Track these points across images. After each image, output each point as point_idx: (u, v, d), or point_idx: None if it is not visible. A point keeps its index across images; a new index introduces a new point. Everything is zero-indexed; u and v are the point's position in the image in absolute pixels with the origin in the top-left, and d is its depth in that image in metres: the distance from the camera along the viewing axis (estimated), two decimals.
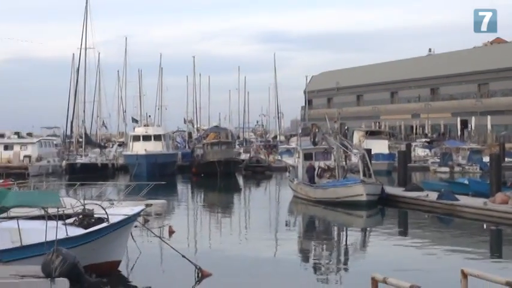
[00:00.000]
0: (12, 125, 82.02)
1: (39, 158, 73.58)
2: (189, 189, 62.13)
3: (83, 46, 79.41)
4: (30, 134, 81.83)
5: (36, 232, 18.47)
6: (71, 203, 23.67)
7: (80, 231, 20.32)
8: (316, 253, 28.34)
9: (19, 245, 18.83)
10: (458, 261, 22.53)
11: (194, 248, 27.48)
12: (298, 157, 49.46)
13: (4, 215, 19.03)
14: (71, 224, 20.54)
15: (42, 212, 18.91)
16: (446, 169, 69.65)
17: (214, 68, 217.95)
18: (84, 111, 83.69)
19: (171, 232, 29.42)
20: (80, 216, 21.39)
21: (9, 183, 36.80)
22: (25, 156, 72.90)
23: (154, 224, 30.58)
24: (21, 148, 74.73)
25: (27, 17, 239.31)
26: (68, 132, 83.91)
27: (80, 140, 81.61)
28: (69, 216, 21.13)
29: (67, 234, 19.02)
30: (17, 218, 19.57)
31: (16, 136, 77.81)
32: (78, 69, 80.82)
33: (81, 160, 73.86)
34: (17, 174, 52.17)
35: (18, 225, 19.03)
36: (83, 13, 79.58)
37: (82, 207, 22.68)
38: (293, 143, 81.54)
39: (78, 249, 18.43)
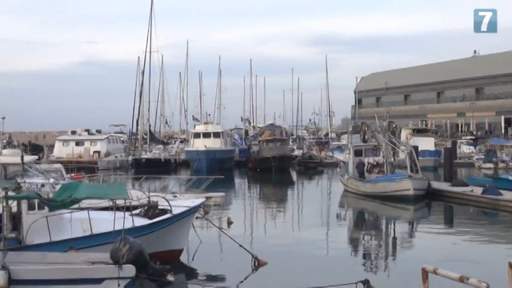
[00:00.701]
0: (83, 123, 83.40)
1: (108, 154, 74.44)
2: (245, 183, 62.15)
3: (148, 50, 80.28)
4: (99, 131, 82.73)
5: (105, 222, 18.69)
6: (137, 195, 23.89)
7: (145, 221, 20.51)
8: (365, 243, 28.15)
9: (90, 234, 19.12)
10: (504, 254, 22.16)
11: (251, 237, 27.51)
12: (349, 153, 49.41)
13: (76, 206, 19.22)
14: (137, 215, 20.76)
15: (111, 204, 19.07)
16: (491, 165, 68.22)
17: (269, 69, 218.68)
18: (148, 110, 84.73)
19: (229, 223, 29.51)
20: (145, 208, 21.58)
21: (80, 177, 37.31)
22: (95, 152, 73.81)
23: (214, 216, 30.69)
24: (91, 144, 75.67)
25: (99, 24, 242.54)
26: (134, 130, 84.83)
27: (145, 137, 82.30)
28: (135, 207, 21.37)
29: (133, 224, 19.23)
30: (88, 209, 19.88)
31: (86, 133, 78.77)
32: (143, 71, 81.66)
33: (145, 155, 74.55)
34: (87, 168, 52.76)
35: (89, 216, 19.31)
36: (148, 19, 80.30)
37: (147, 199, 22.84)
38: (344, 140, 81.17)
39: (143, 238, 18.59)
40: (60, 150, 73.76)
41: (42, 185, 24.54)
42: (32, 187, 22.84)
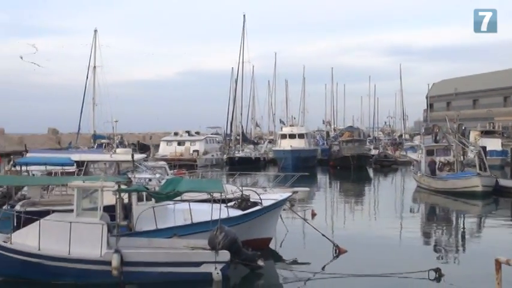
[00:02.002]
0: (184, 125, 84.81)
1: (205, 152, 75.28)
2: (327, 179, 61.77)
3: (241, 61, 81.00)
4: (198, 133, 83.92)
5: (204, 213, 18.91)
6: (231, 189, 24.07)
7: (239, 212, 20.64)
8: (436, 235, 27.54)
9: (190, 223, 19.37)
10: None
11: (332, 228, 27.26)
12: (421, 153, 48.63)
13: (178, 198, 19.51)
14: (231, 207, 20.89)
15: (208, 196, 19.27)
16: None
17: (348, 77, 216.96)
18: (241, 114, 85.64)
19: (313, 215, 29.40)
20: (239, 200, 21.71)
21: (181, 173, 37.86)
22: (194, 151, 74.76)
23: (299, 208, 30.60)
24: (191, 144, 76.67)
25: (199, 39, 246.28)
26: (228, 131, 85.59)
27: (238, 137, 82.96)
28: (229, 200, 21.48)
29: (228, 215, 19.34)
30: (188, 201, 20.11)
31: (187, 134, 79.89)
32: (236, 80, 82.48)
33: (238, 154, 75.08)
34: (188, 165, 53.48)
35: (190, 207, 19.57)
36: (241, 34, 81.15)
37: (240, 192, 22.97)
38: (416, 141, 79.52)
39: (237, 227, 18.72)
40: (165, 150, 75.09)
41: (150, 180, 25.08)
42: (141, 181, 23.38)
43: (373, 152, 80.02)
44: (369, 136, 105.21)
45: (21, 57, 71.26)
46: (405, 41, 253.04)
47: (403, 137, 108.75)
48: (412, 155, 63.92)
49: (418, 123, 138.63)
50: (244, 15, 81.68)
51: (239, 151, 77.83)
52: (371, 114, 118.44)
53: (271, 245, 22.05)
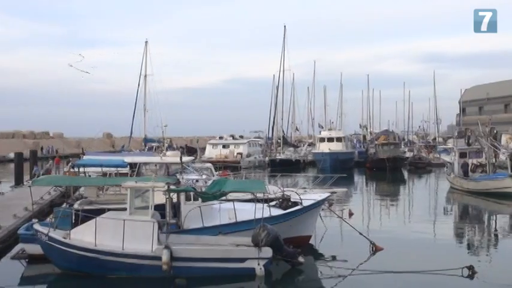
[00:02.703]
0: (229, 130, 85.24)
1: (248, 155, 75.54)
2: (364, 180, 61.31)
3: (282, 69, 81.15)
4: (241, 136, 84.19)
5: (247, 212, 18.92)
6: (273, 189, 24.07)
7: (280, 211, 20.61)
8: (469, 234, 27.09)
9: (234, 221, 19.39)
10: None
11: (368, 226, 27.04)
12: (455, 155, 48.03)
13: (223, 198, 19.58)
14: (273, 206, 20.87)
15: (252, 196, 19.31)
16: None
17: (384, 83, 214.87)
18: (282, 118, 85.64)
19: (350, 214, 29.21)
20: (280, 200, 21.69)
21: (226, 174, 38.03)
22: (238, 153, 75.10)
23: (337, 207, 30.44)
24: (235, 147, 77.08)
25: (242, 48, 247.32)
26: (270, 135, 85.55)
27: (279, 141, 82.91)
28: (271, 200, 21.50)
29: (270, 214, 19.29)
30: (233, 200, 20.14)
31: (231, 138, 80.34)
32: (277, 87, 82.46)
33: (279, 156, 75.08)
34: (232, 167, 53.80)
35: (234, 206, 19.58)
36: (282, 44, 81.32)
37: (282, 193, 22.95)
38: (449, 144, 78.20)
39: (278, 226, 18.69)
40: (210, 152, 75.59)
41: (197, 181, 25.23)
42: (189, 182, 23.50)
43: (408, 154, 79.25)
44: (404, 139, 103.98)
45: (71, 65, 72.98)
46: (438, 49, 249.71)
47: (437, 140, 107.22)
48: (446, 157, 62.99)
49: (451, 127, 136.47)
50: (284, 27, 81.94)
51: (280, 154, 77.78)
52: (405, 118, 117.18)
53: (311, 243, 21.99)
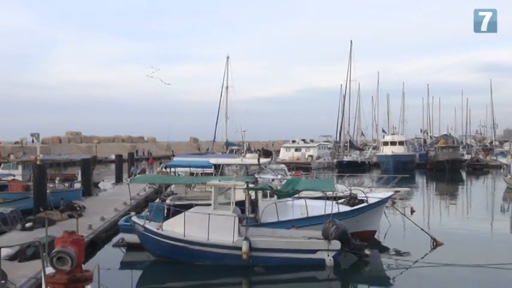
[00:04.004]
0: (300, 134, 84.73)
1: (318, 157, 75.00)
2: (424, 181, 59.64)
3: (348, 79, 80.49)
4: (312, 140, 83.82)
5: (318, 208, 18.81)
6: (341, 188, 23.80)
7: (348, 208, 20.39)
8: None
9: (306, 216, 19.32)
10: None
11: (429, 223, 26.27)
12: (511, 157, 45.98)
13: (296, 195, 19.53)
14: (341, 203, 20.68)
15: (322, 194, 19.17)
16: None
17: (443, 91, 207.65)
18: (348, 124, 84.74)
19: (412, 211, 28.41)
20: (348, 198, 21.45)
21: (298, 174, 37.91)
22: (309, 156, 74.72)
23: (400, 205, 29.77)
24: (306, 150, 76.74)
25: (313, 61, 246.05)
26: (338, 139, 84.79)
27: (346, 144, 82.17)
28: (340, 197, 21.28)
29: (339, 210, 19.15)
30: (305, 198, 20.08)
31: (303, 142, 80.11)
32: (344, 96, 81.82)
33: (346, 158, 74.32)
34: (303, 168, 53.53)
35: (306, 203, 19.54)
36: (348, 57, 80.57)
37: (349, 191, 22.70)
38: (506, 147, 75.19)
39: (346, 221, 18.47)
40: (284, 155, 75.55)
41: (273, 180, 25.28)
42: (266, 181, 23.59)
43: (466, 156, 76.65)
44: (462, 143, 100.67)
45: (151, 76, 74.78)
46: (495, 59, 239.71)
47: (493, 143, 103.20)
48: (502, 160, 60.57)
49: (507, 131, 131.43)
50: (351, 42, 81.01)
51: (347, 156, 77.09)
52: (463, 123, 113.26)
53: (376, 237, 21.59)
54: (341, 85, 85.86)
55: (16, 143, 76.87)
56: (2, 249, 7.71)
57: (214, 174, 27.96)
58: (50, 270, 6.22)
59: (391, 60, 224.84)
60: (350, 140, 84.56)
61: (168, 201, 22.32)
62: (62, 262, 5.16)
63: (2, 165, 35.60)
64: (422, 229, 21.24)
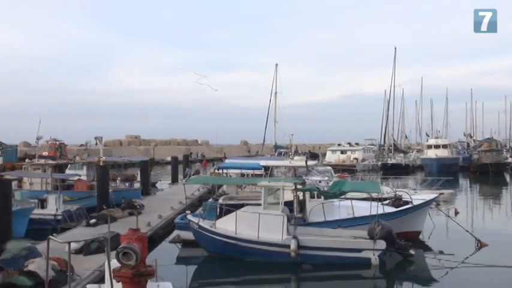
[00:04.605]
0: (346, 138, 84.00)
1: (363, 160, 74.18)
2: (468, 183, 58.00)
3: (392, 85, 79.29)
4: (357, 144, 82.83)
5: (363, 209, 18.59)
6: (386, 190, 23.41)
7: (393, 209, 20.07)
8: None
9: (352, 217, 19.12)
10: None
11: (473, 224, 25.52)
12: None
13: (343, 196, 19.35)
14: (386, 204, 20.36)
15: (367, 196, 18.93)
16: None
17: (486, 95, 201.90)
18: (392, 128, 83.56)
19: (456, 213, 27.71)
20: (393, 199, 21.11)
21: (344, 176, 37.55)
22: (354, 158, 73.96)
23: (444, 207, 29.03)
24: (351, 153, 76.05)
25: (357, 67, 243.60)
26: (382, 142, 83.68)
27: (390, 147, 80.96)
28: (385, 199, 20.94)
29: (384, 211, 18.85)
30: (351, 199, 19.87)
31: (348, 145, 79.31)
32: (388, 100, 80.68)
33: (390, 161, 73.23)
34: (349, 170, 53.07)
35: (352, 204, 19.35)
36: (392, 63, 79.39)
37: (394, 193, 22.33)
38: None
39: (391, 222, 18.18)
40: (330, 157, 75.00)
41: (319, 181, 25.12)
42: (313, 182, 23.47)
43: (510, 160, 74.10)
44: (505, 146, 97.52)
45: (200, 83, 75.63)
46: None
47: None
48: None
49: None
50: (395, 48, 79.78)
51: (391, 159, 75.91)
52: (507, 127, 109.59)
53: (421, 237, 21.12)
54: (385, 90, 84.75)
55: (81, 145, 79.16)
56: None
57: (264, 176, 27.98)
58: (112, 263, 6.36)
59: (434, 66, 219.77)
60: (394, 143, 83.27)
61: (220, 201, 22.48)
62: (128, 257, 5.31)
63: (68, 166, 36.68)
64: (466, 230, 20.67)
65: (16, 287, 11.06)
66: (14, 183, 25.20)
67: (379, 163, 72.53)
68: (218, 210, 19.99)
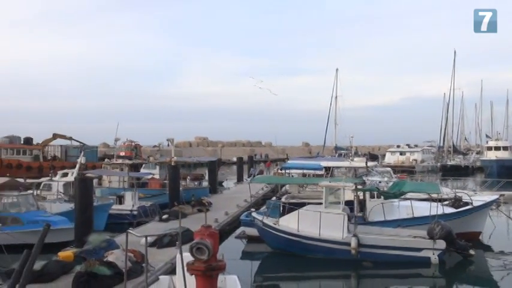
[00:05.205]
0: (405, 139, 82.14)
1: (422, 161, 72.31)
2: None
3: (452, 87, 76.74)
4: (416, 145, 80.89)
5: (423, 209, 18.12)
6: (445, 191, 22.62)
7: (453, 210, 19.40)
8: None
9: (412, 217, 18.62)
10: None
11: None
12: None
13: (402, 197, 18.89)
14: (446, 205, 19.70)
15: (427, 196, 18.40)
16: None
17: None
18: (452, 130, 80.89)
19: None
20: (452, 200, 20.39)
21: (403, 177, 36.60)
22: (413, 160, 72.27)
23: (505, 208, 27.71)
24: (410, 154, 74.32)
25: (417, 70, 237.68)
26: (441, 144, 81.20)
27: (449, 149, 78.43)
28: (444, 200, 20.24)
29: (444, 212, 18.26)
30: (410, 199, 19.38)
31: (407, 146, 77.60)
32: (448, 103, 78.12)
33: (450, 163, 70.97)
34: (408, 171, 51.74)
35: (411, 204, 18.86)
36: (451, 66, 76.80)
37: (453, 194, 21.57)
38: None
39: (451, 222, 17.56)
40: (389, 158, 73.48)
41: (379, 182, 24.61)
42: (373, 183, 23.02)
43: None
44: None
45: (260, 87, 76.03)
46: None
47: None
48: None
49: None
50: (455, 52, 76.85)
51: (450, 160, 73.47)
52: None
53: (481, 238, 20.28)
54: (444, 93, 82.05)
55: (154, 146, 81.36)
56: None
57: (325, 176, 27.72)
58: (184, 256, 6.49)
59: (494, 68, 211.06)
60: (453, 145, 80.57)
61: (283, 200, 22.45)
62: (200, 252, 5.43)
63: (143, 165, 37.74)
64: None
65: (97, 276, 11.47)
66: (95, 181, 26.16)
67: (438, 164, 70.39)
68: (281, 208, 19.96)
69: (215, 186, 35.60)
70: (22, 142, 61.13)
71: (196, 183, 35.19)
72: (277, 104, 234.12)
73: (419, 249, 16.05)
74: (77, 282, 11.38)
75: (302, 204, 19.12)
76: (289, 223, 17.39)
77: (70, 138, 62.53)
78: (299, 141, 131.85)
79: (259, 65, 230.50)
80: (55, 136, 62.68)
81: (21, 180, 22.51)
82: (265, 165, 65.53)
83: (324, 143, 69.89)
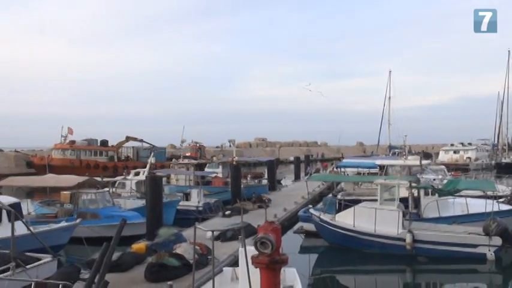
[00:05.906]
0: (459, 138, 79.22)
1: (476, 159, 69.54)
2: None
3: (506, 86, 73.41)
4: (470, 143, 77.86)
5: (477, 206, 17.50)
6: (500, 188, 21.61)
7: (508, 207, 18.58)
8: None
9: (467, 213, 17.98)
10: None
11: None
12: None
13: (458, 194, 18.23)
14: (502, 202, 18.86)
15: (482, 193, 17.68)
16: None
17: None
18: (506, 128, 77.25)
19: None
20: (508, 197, 19.49)
21: (457, 175, 35.35)
22: (467, 158, 69.65)
23: None
24: (464, 152, 71.69)
25: (467, 70, 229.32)
26: (495, 142, 77.82)
27: (504, 147, 75.07)
28: (500, 197, 19.39)
29: (499, 209, 17.44)
30: (465, 196, 18.69)
31: (461, 145, 74.82)
32: (502, 102, 74.75)
33: (505, 160, 67.79)
34: (462, 169, 49.78)
35: (466, 201, 18.23)
36: (506, 66, 73.35)
37: (509, 191, 20.59)
38: None
39: (507, 219, 16.75)
40: (443, 157, 71.20)
41: (434, 179, 23.90)
42: (427, 180, 22.38)
43: None
44: None
45: (310, 90, 75.46)
46: None
47: None
48: None
49: None
50: (509, 51, 73.58)
51: (505, 158, 70.17)
52: None
53: None
54: (498, 92, 78.52)
55: (217, 147, 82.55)
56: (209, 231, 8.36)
57: (379, 174, 27.20)
58: (248, 250, 6.55)
59: None
60: (508, 143, 76.95)
61: (339, 197, 22.21)
62: (264, 246, 5.48)
63: (207, 165, 38.37)
64: None
65: (167, 267, 11.77)
66: (164, 180, 26.83)
67: (493, 162, 67.44)
68: (337, 205, 19.76)
69: (274, 184, 35.68)
70: (99, 144, 63.65)
71: (256, 181, 35.44)
72: (332, 105, 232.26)
73: (475, 246, 15.44)
74: (149, 272, 11.72)
75: (357, 201, 18.84)
76: (345, 219, 17.18)
77: (141, 141, 64.52)
78: (353, 140, 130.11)
79: (314, 68, 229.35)
80: (128, 138, 64.84)
81: (98, 179, 23.37)
82: (322, 165, 65.10)
83: (378, 142, 68.56)
